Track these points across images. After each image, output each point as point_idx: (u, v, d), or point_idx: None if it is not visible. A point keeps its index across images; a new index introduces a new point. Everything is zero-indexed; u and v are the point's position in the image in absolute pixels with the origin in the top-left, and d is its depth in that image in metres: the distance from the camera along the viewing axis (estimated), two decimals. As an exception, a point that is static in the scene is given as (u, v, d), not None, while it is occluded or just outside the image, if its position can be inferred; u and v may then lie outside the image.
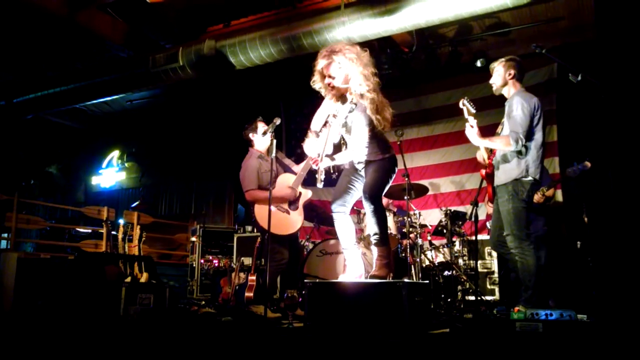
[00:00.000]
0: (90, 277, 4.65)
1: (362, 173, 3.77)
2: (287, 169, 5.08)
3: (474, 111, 3.90)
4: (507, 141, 3.63)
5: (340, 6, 6.00)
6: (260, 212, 4.79)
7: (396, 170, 3.77)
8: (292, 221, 4.86)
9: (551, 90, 6.87)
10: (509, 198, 3.66)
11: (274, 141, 4.37)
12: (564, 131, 6.77)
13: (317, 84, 3.74)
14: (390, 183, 3.76)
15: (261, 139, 4.98)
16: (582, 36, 6.81)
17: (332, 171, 3.70)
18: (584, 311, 2.91)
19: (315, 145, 3.67)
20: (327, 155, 3.55)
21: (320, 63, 3.61)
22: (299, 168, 4.92)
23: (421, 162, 7.83)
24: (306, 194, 4.91)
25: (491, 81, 3.96)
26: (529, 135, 3.65)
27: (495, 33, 7.06)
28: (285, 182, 4.84)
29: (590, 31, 6.70)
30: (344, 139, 3.81)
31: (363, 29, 5.82)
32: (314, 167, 3.54)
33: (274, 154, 4.36)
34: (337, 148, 3.79)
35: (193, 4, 6.76)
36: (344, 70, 3.54)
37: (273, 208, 4.74)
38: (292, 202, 4.89)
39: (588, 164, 4.87)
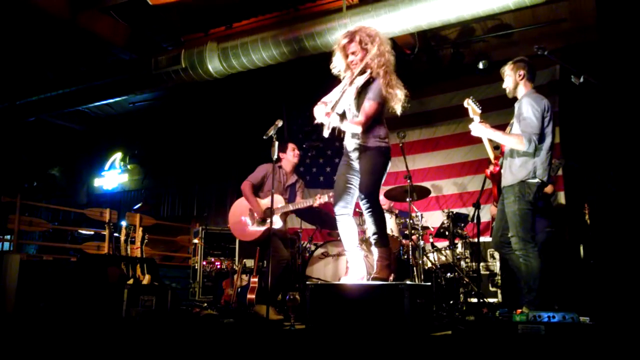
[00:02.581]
0: (93, 279, 4.66)
1: (357, 165, 3.74)
2: (291, 196, 5.29)
3: (479, 110, 3.88)
4: (521, 140, 3.60)
5: (342, 8, 6.01)
6: (234, 208, 5.30)
7: (389, 163, 3.72)
8: (247, 232, 5.17)
9: (554, 92, 6.85)
10: (515, 199, 3.65)
11: (277, 143, 4.39)
12: (566, 133, 6.76)
13: (336, 68, 3.77)
14: (385, 176, 3.71)
15: (288, 160, 5.38)
16: (584, 38, 6.80)
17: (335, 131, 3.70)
18: (586, 313, 2.90)
19: (323, 111, 3.63)
20: (338, 114, 3.55)
21: (342, 42, 3.70)
22: (298, 202, 5.19)
23: (423, 164, 7.82)
24: (276, 224, 4.96)
25: (504, 85, 3.94)
26: (542, 137, 3.63)
27: (498, 35, 7.06)
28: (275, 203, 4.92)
29: (593, 33, 6.69)
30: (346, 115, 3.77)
31: (365, 30, 5.83)
32: (325, 121, 3.52)
33: (276, 155, 4.39)
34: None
35: (195, 6, 6.77)
36: (364, 45, 3.62)
37: (246, 215, 5.18)
38: (261, 220, 5.10)
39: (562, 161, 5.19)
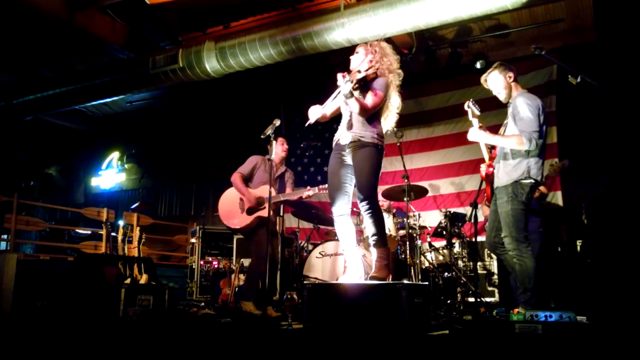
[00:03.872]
0: (90, 279, 4.65)
1: (349, 160, 3.74)
2: (280, 187, 5.30)
3: (478, 113, 3.87)
4: (520, 140, 3.56)
5: (339, 7, 6.00)
6: (225, 196, 5.29)
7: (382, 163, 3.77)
8: (237, 219, 5.16)
9: (551, 92, 6.88)
10: (509, 200, 3.64)
11: (274, 142, 4.41)
12: (563, 133, 6.78)
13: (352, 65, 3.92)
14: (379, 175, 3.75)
15: (277, 153, 5.29)
16: (581, 38, 6.82)
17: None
18: (583, 312, 2.91)
19: (317, 110, 3.85)
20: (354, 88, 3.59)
21: (359, 46, 3.93)
22: (288, 192, 5.20)
23: (421, 163, 7.84)
24: (265, 212, 5.03)
25: (495, 92, 3.86)
26: (540, 134, 3.62)
27: (495, 35, 7.08)
28: (264, 194, 5.07)
29: (590, 33, 6.71)
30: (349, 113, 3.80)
31: (363, 30, 5.83)
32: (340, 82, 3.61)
33: (273, 155, 4.41)
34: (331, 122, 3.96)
35: (193, 5, 6.77)
36: (376, 49, 3.80)
37: (237, 202, 5.18)
38: (251, 210, 5.11)
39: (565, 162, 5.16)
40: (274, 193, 5.11)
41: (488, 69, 3.95)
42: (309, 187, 5.02)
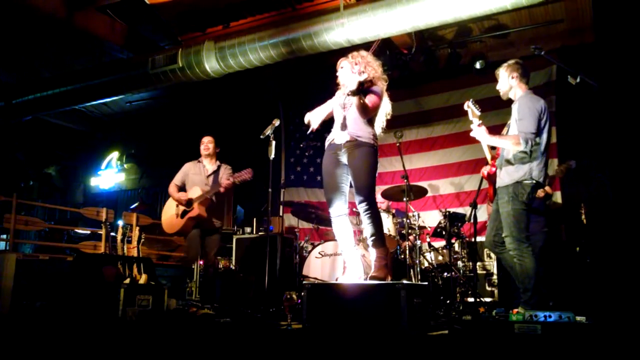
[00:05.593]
0: (89, 279, 4.65)
1: (345, 160, 3.74)
2: (214, 182, 5.43)
3: (478, 113, 3.88)
4: (517, 140, 3.60)
5: (339, 8, 6.00)
6: (164, 208, 5.60)
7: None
8: (174, 223, 5.46)
9: (550, 92, 6.88)
10: (509, 200, 3.65)
11: (274, 142, 4.40)
12: (563, 133, 6.79)
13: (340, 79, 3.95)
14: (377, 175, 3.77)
15: (201, 153, 5.61)
16: (580, 39, 6.82)
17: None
18: (582, 313, 2.91)
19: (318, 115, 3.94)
20: (357, 88, 3.59)
21: (347, 58, 3.93)
22: (211, 187, 5.33)
23: (420, 163, 7.84)
24: (196, 211, 5.25)
25: (497, 87, 3.95)
26: (538, 136, 3.63)
27: (494, 35, 7.08)
28: (192, 194, 5.33)
29: (589, 34, 6.71)
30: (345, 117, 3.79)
31: (362, 30, 5.83)
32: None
33: (272, 155, 4.39)
34: (330, 124, 3.97)
35: (192, 5, 6.76)
36: (364, 59, 3.83)
37: (173, 210, 5.47)
38: (184, 211, 5.34)
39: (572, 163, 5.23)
40: (200, 191, 5.31)
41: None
42: (220, 185, 5.20)
